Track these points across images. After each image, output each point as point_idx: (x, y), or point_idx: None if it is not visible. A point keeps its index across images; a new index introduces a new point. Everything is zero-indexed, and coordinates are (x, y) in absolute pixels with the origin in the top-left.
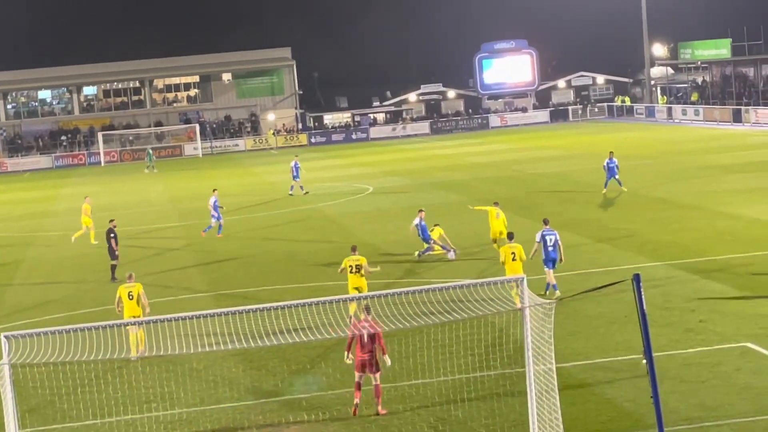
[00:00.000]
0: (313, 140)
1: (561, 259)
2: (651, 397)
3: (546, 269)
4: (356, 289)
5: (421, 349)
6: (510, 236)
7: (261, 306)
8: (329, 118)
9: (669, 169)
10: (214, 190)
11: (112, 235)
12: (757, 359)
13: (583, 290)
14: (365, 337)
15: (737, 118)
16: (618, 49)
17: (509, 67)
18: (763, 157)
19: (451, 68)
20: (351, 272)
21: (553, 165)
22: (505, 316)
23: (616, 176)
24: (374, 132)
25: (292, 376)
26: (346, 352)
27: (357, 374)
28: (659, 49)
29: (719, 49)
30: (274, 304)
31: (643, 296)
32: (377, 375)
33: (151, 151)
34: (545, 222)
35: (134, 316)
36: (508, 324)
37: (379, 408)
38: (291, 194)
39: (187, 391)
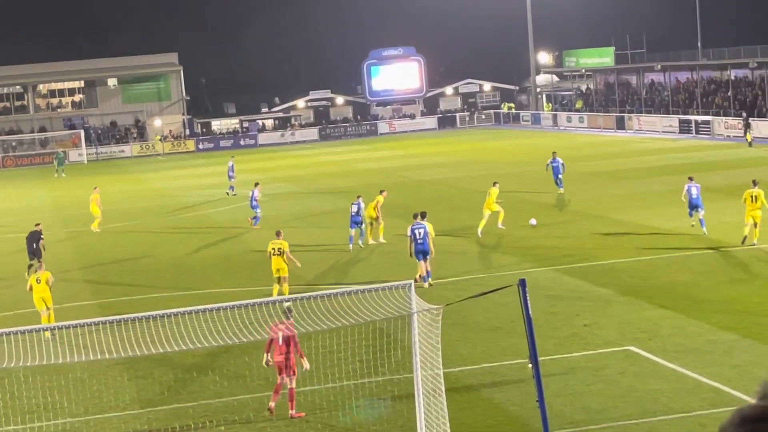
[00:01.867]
0: (200, 146)
1: (431, 252)
2: (537, 401)
3: (418, 261)
4: (278, 270)
5: (309, 356)
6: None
7: (146, 314)
8: (217, 125)
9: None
10: (256, 185)
11: (41, 237)
12: (640, 362)
13: (470, 295)
14: (280, 339)
15: (620, 125)
16: (504, 57)
17: (397, 74)
18: (646, 164)
19: (339, 75)
20: (273, 254)
21: (441, 171)
22: (393, 321)
23: (560, 176)
24: (263, 138)
25: (178, 383)
26: (265, 354)
27: (278, 377)
28: (545, 57)
29: (603, 57)
30: (160, 312)
31: (528, 301)
32: (292, 378)
33: (62, 155)
34: (415, 216)
35: (43, 298)
36: (396, 329)
37: (293, 412)
38: (234, 194)
39: (71, 401)
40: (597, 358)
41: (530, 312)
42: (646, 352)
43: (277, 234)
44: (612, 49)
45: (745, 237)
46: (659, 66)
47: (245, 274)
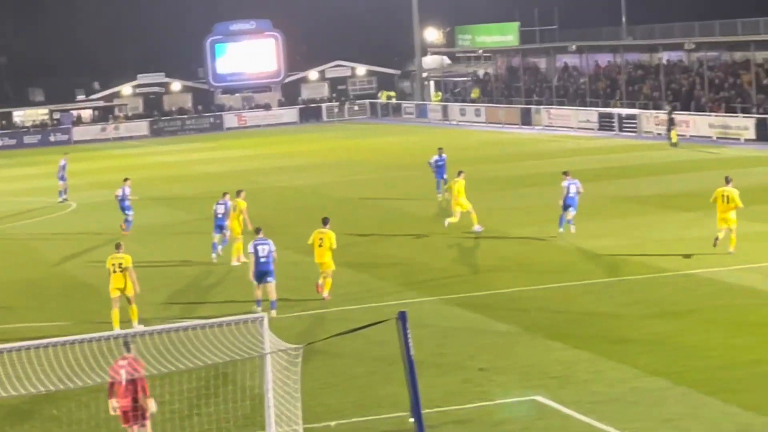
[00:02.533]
0: None
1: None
2: None
3: (255, 284)
4: (118, 289)
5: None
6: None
7: None
8: (20, 116)
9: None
10: (125, 180)
11: None
12: (548, 416)
13: (339, 332)
14: (123, 379)
15: (526, 119)
16: (383, 34)
17: (249, 54)
18: (557, 168)
19: (176, 54)
20: (114, 272)
21: (304, 176)
22: (240, 365)
23: (444, 176)
24: (78, 133)
25: None
26: (109, 401)
27: (124, 426)
28: (433, 34)
29: (505, 34)
30: None
31: (410, 339)
32: (145, 426)
33: None
34: (257, 231)
35: None
36: (244, 375)
37: None
38: (66, 199)
39: None
40: (495, 410)
41: (412, 353)
42: (556, 403)
43: (117, 247)
44: (516, 24)
45: (717, 238)
46: (574, 46)
47: (58, 304)
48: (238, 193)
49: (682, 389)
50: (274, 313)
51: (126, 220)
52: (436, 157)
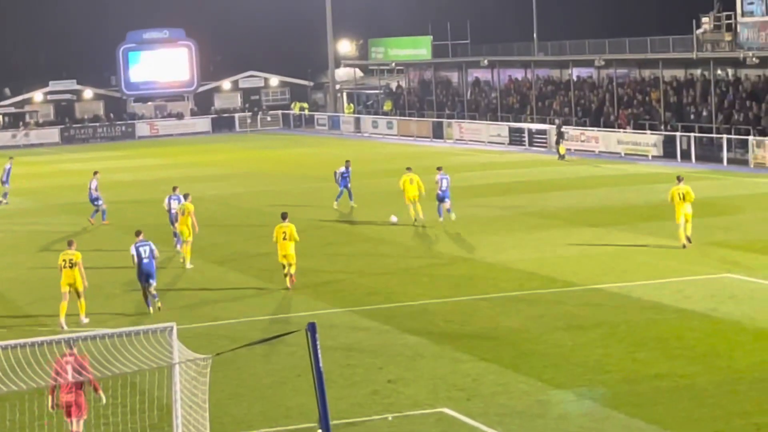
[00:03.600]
0: None
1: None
2: None
3: (141, 284)
4: (69, 284)
5: (39, 417)
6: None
7: None
8: None
9: (357, 193)
10: (95, 173)
11: None
12: (455, 428)
13: (247, 343)
14: (70, 374)
15: (438, 133)
16: (296, 45)
17: (162, 63)
18: (467, 182)
19: (88, 61)
20: (65, 267)
21: (215, 186)
22: (149, 375)
23: (348, 186)
24: None
25: None
26: (49, 398)
27: (67, 420)
28: (346, 47)
29: (418, 48)
30: None
31: (319, 350)
32: (81, 420)
33: None
34: (138, 234)
35: None
36: (152, 385)
37: None
38: (7, 203)
39: None
40: (403, 422)
41: (321, 364)
42: (462, 416)
43: (69, 244)
44: (429, 38)
45: (686, 237)
46: (486, 61)
47: None
48: (186, 196)
49: (587, 403)
50: (159, 303)
51: (97, 211)
52: (342, 169)
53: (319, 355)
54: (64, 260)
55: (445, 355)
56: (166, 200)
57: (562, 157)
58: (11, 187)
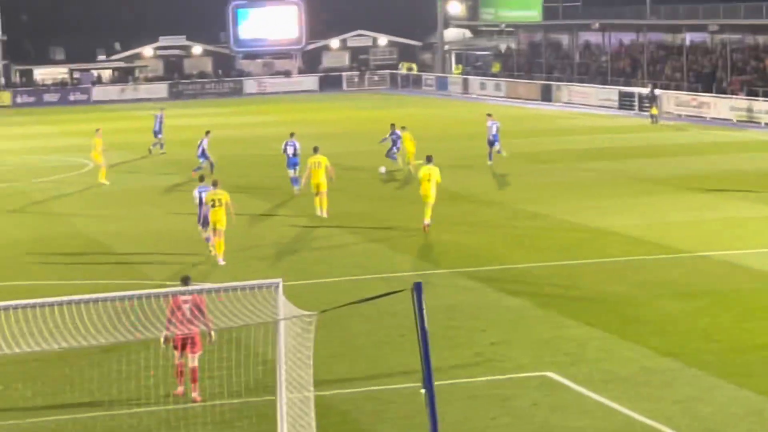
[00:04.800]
0: (18, 100)
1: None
2: None
3: (200, 227)
4: (215, 222)
5: (146, 368)
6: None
7: None
8: (41, 74)
9: (460, 155)
10: (207, 133)
11: None
12: (558, 392)
13: (350, 301)
14: (187, 311)
15: (546, 95)
16: (405, 5)
17: (271, 20)
18: (575, 145)
19: (198, 17)
20: (213, 206)
21: (321, 144)
22: (253, 330)
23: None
24: (98, 93)
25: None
26: (164, 333)
27: (176, 354)
28: (456, 7)
29: (529, 10)
30: None
31: (424, 311)
32: (196, 356)
33: None
34: (201, 179)
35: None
36: (257, 341)
37: (195, 394)
38: (163, 152)
39: None
40: (506, 384)
41: (426, 325)
42: (566, 380)
43: (214, 184)
44: (540, 0)
45: None
46: (597, 24)
47: (69, 263)
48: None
49: (693, 371)
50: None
51: (200, 168)
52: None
53: (425, 316)
54: (212, 199)
55: (550, 319)
56: (284, 145)
57: (654, 119)
58: (164, 137)
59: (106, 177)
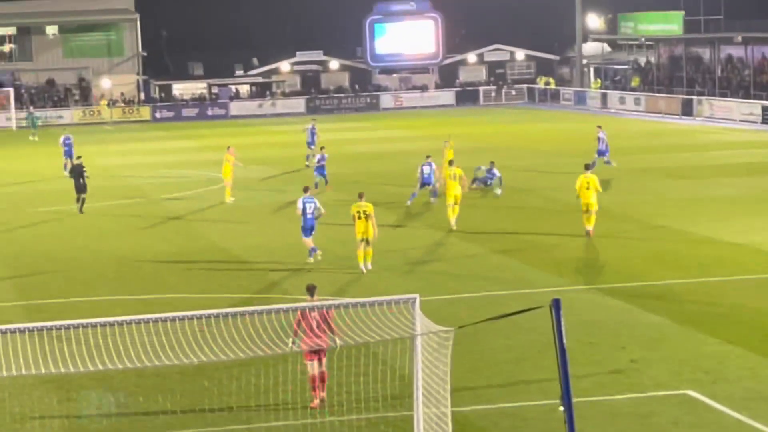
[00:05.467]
0: (158, 115)
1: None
2: None
3: (303, 237)
4: (362, 233)
5: (284, 383)
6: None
7: (83, 321)
8: (179, 89)
9: (599, 170)
10: (322, 149)
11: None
12: (699, 411)
13: (489, 317)
14: (315, 324)
15: (687, 110)
16: (543, 19)
17: (408, 35)
18: (717, 161)
19: (335, 33)
20: (358, 218)
21: (458, 159)
22: (390, 345)
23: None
24: (236, 108)
25: (120, 410)
26: (292, 338)
27: (308, 363)
28: (595, 21)
29: (669, 23)
30: (101, 320)
31: (563, 327)
32: (324, 360)
33: (35, 115)
34: (305, 189)
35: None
36: (393, 355)
37: (323, 394)
38: (308, 165)
39: None
40: (646, 402)
41: (564, 341)
42: (707, 398)
43: (360, 196)
44: (681, 13)
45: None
46: (740, 37)
47: (206, 276)
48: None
49: None
50: (319, 255)
51: (316, 184)
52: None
53: (563, 333)
54: (357, 211)
55: (690, 336)
56: (420, 168)
57: None
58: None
59: (231, 194)
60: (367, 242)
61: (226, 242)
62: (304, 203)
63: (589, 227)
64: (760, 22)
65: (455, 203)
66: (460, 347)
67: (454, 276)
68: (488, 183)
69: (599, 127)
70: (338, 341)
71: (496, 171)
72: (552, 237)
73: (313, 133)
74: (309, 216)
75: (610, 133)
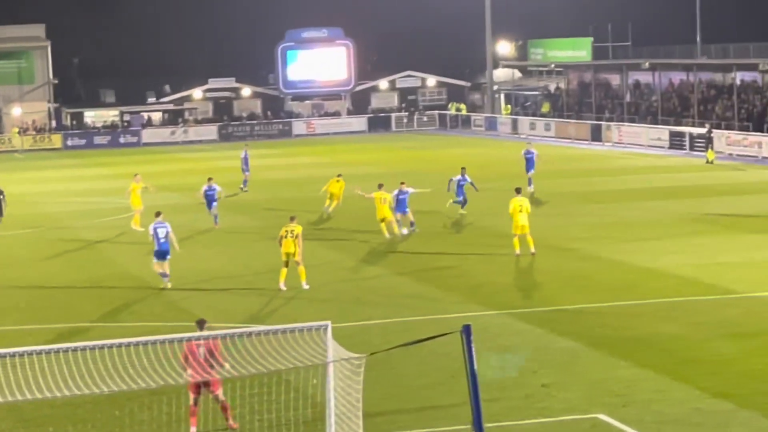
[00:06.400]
0: (69, 143)
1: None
2: None
3: (155, 261)
4: (287, 253)
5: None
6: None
7: None
8: (91, 116)
9: (510, 196)
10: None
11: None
12: None
13: (401, 343)
14: (201, 354)
15: (596, 135)
16: (454, 45)
17: (320, 62)
18: (627, 185)
19: (247, 60)
20: (285, 238)
21: (370, 185)
22: (302, 372)
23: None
24: (148, 135)
25: None
26: (184, 371)
27: (192, 396)
28: (505, 48)
29: (578, 50)
30: (10, 350)
31: (473, 353)
32: (220, 392)
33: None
34: (157, 214)
35: None
36: (306, 383)
37: (231, 422)
38: (245, 190)
39: None
40: (557, 427)
41: (475, 366)
42: (618, 422)
43: (291, 219)
44: (590, 40)
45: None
46: (647, 64)
47: (119, 304)
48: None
49: (747, 413)
50: (168, 282)
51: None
52: (459, 177)
53: (474, 358)
54: (286, 231)
55: (601, 360)
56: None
57: (710, 162)
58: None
59: (140, 223)
60: (296, 262)
61: (138, 269)
62: (155, 228)
63: (531, 248)
64: (666, 48)
65: (382, 221)
66: (373, 373)
67: (366, 302)
68: (463, 205)
69: (529, 143)
70: (225, 371)
71: (467, 177)
72: (466, 261)
73: (246, 159)
74: (162, 241)
75: (520, 158)
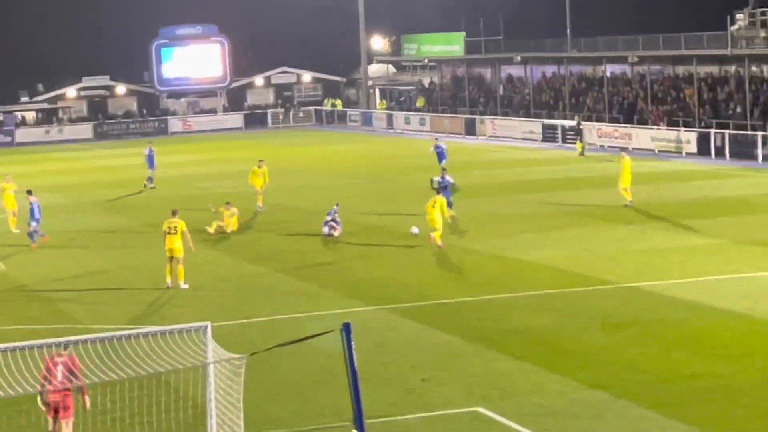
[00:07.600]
0: None
1: None
2: None
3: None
4: (170, 249)
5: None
6: None
7: None
8: None
9: (387, 190)
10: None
11: None
12: (489, 427)
13: (282, 342)
14: (59, 374)
15: (470, 129)
16: (329, 41)
17: (194, 59)
18: (500, 179)
19: (121, 57)
20: (168, 234)
21: (246, 182)
22: (182, 373)
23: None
24: (21, 135)
25: None
26: (39, 396)
27: (51, 420)
28: (379, 43)
29: (451, 44)
30: None
31: (353, 349)
32: (70, 422)
33: None
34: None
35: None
36: (187, 384)
37: None
38: (153, 187)
39: None
40: (437, 420)
41: (355, 363)
42: (497, 415)
43: (173, 213)
44: (462, 35)
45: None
46: (519, 57)
47: None
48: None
49: (623, 403)
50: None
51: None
52: (438, 178)
53: (354, 355)
54: (168, 227)
55: (480, 353)
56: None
57: (581, 153)
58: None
59: (15, 224)
60: (178, 260)
61: (14, 271)
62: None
63: (440, 242)
64: (537, 42)
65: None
66: (254, 372)
67: (246, 300)
68: (450, 205)
69: (437, 139)
70: (88, 402)
71: (449, 178)
72: (345, 257)
73: (151, 156)
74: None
75: (396, 153)
